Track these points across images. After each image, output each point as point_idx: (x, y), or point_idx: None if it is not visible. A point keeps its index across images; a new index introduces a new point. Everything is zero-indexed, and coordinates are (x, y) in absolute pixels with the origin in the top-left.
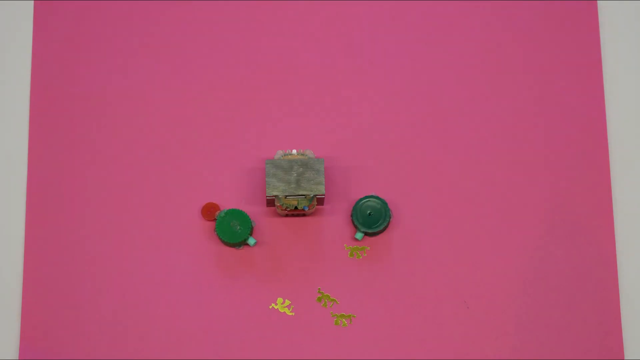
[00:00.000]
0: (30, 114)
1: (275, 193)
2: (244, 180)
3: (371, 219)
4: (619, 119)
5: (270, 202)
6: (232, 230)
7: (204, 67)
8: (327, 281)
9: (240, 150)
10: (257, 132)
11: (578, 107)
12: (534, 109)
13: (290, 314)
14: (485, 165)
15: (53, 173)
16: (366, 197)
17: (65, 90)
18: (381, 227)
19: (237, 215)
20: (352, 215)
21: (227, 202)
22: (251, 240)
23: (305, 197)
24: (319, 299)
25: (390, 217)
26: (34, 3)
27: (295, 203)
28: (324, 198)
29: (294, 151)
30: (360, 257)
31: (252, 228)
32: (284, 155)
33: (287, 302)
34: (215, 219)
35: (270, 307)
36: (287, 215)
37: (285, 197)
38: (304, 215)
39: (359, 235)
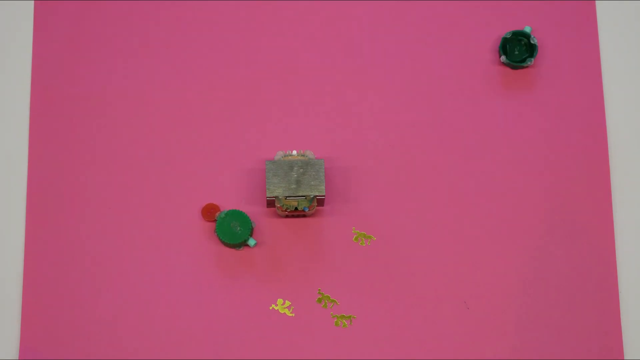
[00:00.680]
0: (30, 114)
1: (275, 194)
2: (244, 181)
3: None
4: (619, 119)
5: (271, 203)
6: (232, 231)
7: (204, 67)
8: (327, 282)
9: (240, 151)
10: (257, 132)
11: (577, 107)
12: (533, 108)
13: (291, 314)
14: (485, 165)
15: (53, 173)
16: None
17: (65, 90)
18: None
19: (237, 216)
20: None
21: (227, 203)
22: (251, 241)
23: (306, 198)
24: (319, 300)
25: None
26: (34, 3)
27: (295, 204)
28: (324, 199)
29: (294, 152)
30: (364, 245)
31: (252, 229)
32: (284, 155)
33: (287, 303)
34: (216, 220)
35: (271, 307)
36: (287, 216)
37: (286, 198)
38: (304, 216)
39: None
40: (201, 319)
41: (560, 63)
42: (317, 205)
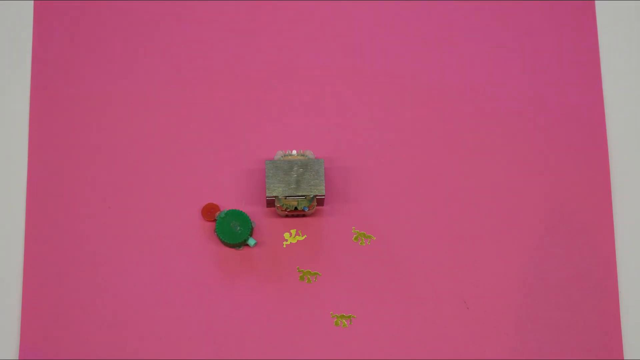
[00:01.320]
0: (30, 114)
1: (275, 194)
2: (244, 181)
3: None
4: (619, 119)
5: (270, 203)
6: (232, 230)
7: (203, 67)
8: (327, 282)
9: (240, 151)
10: (257, 132)
11: (577, 107)
12: (533, 109)
13: (302, 237)
14: (485, 165)
15: (53, 173)
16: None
17: (65, 90)
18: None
19: (237, 215)
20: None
21: (227, 203)
22: (251, 241)
23: (305, 198)
24: (301, 278)
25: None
26: (34, 3)
27: (295, 204)
28: (324, 199)
29: (294, 152)
30: (364, 245)
31: (252, 229)
32: (284, 155)
33: (300, 232)
34: (215, 220)
35: (284, 245)
36: (287, 216)
37: (285, 198)
38: (304, 215)
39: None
40: (201, 318)
41: (560, 63)
42: (317, 205)
